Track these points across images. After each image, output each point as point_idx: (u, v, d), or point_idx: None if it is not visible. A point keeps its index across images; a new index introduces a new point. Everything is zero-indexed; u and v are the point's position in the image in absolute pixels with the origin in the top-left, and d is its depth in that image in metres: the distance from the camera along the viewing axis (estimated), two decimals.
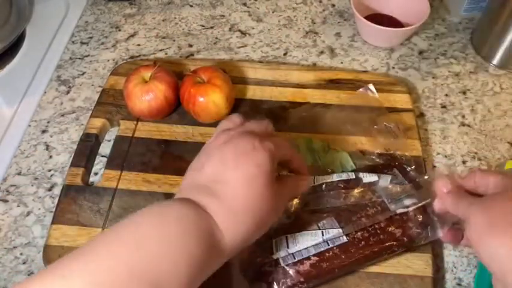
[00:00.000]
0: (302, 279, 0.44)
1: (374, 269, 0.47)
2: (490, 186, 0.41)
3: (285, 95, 0.62)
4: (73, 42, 0.72)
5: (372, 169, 0.51)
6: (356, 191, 0.49)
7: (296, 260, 0.45)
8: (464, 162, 0.57)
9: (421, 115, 0.62)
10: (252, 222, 0.38)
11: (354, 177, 0.49)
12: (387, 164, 0.53)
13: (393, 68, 0.67)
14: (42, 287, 0.30)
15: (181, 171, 0.54)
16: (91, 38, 0.73)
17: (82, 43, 0.72)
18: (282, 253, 0.45)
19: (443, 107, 0.63)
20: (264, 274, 0.45)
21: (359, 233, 0.46)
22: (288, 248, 0.45)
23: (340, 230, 0.46)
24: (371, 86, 0.60)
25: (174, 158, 0.56)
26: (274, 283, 0.44)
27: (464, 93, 0.64)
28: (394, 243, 0.46)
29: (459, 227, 0.44)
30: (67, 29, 0.74)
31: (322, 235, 0.46)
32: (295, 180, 0.45)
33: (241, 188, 0.37)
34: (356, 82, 0.63)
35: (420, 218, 0.46)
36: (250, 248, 0.45)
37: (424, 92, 0.64)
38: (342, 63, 0.68)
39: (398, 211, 0.47)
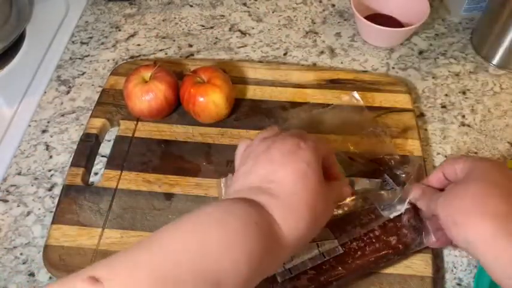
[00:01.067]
0: None
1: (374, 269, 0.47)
2: (458, 174, 0.42)
3: (285, 95, 0.62)
4: (73, 42, 0.72)
5: (361, 176, 0.51)
6: (348, 199, 0.48)
7: (293, 275, 0.45)
8: None
9: (421, 115, 0.62)
10: (310, 218, 0.37)
11: None
12: (377, 169, 0.52)
13: (393, 68, 0.68)
14: (109, 275, 0.29)
15: (181, 171, 0.55)
16: (91, 38, 0.73)
17: (82, 43, 0.72)
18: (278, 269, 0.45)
19: (443, 107, 0.63)
20: None
21: (354, 243, 0.46)
22: (284, 263, 0.45)
23: (336, 241, 0.46)
24: (355, 94, 0.58)
25: (174, 158, 0.56)
26: None
27: (464, 93, 0.64)
28: (390, 251, 0.46)
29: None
30: (67, 29, 0.74)
31: (318, 247, 0.46)
32: (339, 185, 0.44)
33: (296, 185, 0.37)
34: (356, 82, 0.63)
35: (414, 223, 0.46)
36: None
37: (424, 92, 0.64)
38: (342, 63, 0.68)
39: (392, 215, 0.47)
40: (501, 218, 0.36)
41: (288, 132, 0.43)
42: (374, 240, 0.46)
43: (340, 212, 0.48)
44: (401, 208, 0.47)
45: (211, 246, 0.32)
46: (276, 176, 0.38)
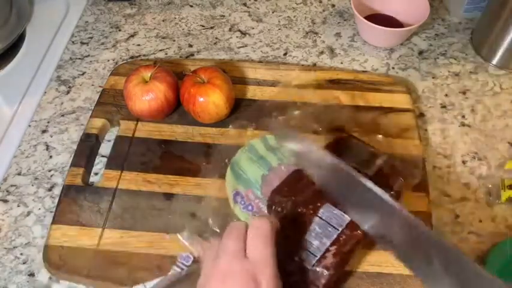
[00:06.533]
0: (332, 272, 0.44)
1: (374, 269, 0.47)
2: None
3: (285, 95, 0.62)
4: (73, 42, 0.72)
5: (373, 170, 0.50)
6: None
7: (318, 257, 0.44)
8: (464, 162, 0.57)
9: (421, 115, 0.62)
10: None
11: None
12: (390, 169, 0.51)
13: (393, 68, 0.68)
14: None
15: (181, 171, 0.55)
16: (91, 38, 0.73)
17: (82, 43, 0.72)
18: (303, 255, 0.44)
19: (443, 107, 0.63)
20: (294, 285, 0.43)
21: None
22: (307, 247, 0.44)
23: (340, 211, 0.45)
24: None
25: (174, 158, 0.56)
26: None
27: (464, 93, 0.64)
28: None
29: None
30: (67, 29, 0.74)
31: (328, 224, 0.45)
32: None
33: None
34: (356, 82, 0.63)
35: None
36: None
37: (424, 92, 0.64)
38: (342, 63, 0.68)
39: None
40: None
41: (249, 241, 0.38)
42: None
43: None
44: None
45: None
46: None
